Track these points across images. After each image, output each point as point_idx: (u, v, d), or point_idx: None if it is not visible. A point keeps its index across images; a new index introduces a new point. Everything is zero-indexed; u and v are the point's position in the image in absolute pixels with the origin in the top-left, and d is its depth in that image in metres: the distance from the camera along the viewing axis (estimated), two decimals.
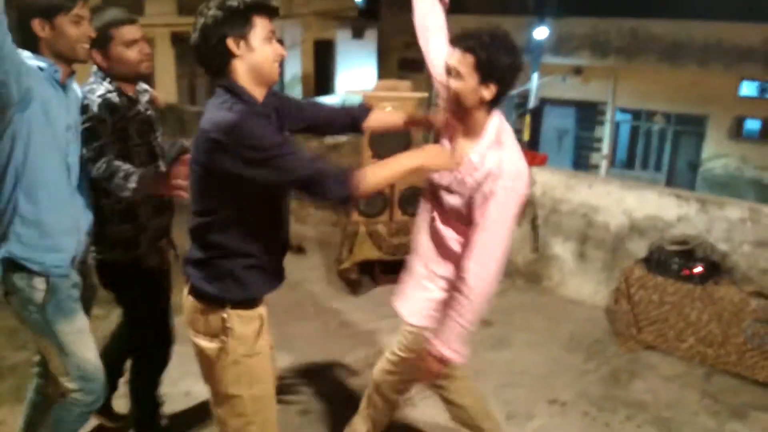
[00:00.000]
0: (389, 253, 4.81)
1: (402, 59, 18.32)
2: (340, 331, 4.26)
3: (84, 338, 2.35)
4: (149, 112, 2.66)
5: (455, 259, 2.27)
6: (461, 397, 2.67)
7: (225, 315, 2.02)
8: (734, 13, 12.81)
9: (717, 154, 15.13)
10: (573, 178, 4.79)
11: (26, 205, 2.16)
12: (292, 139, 2.12)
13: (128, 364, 2.89)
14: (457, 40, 2.11)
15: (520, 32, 14.10)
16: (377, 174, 1.95)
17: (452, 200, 2.23)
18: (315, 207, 5.95)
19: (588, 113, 16.97)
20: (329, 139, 6.26)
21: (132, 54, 2.46)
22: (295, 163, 1.85)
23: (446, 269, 2.34)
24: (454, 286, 2.22)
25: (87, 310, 2.48)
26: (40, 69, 2.13)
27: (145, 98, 2.66)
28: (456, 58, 2.09)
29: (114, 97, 2.47)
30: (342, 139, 6.24)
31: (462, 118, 2.21)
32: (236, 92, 1.93)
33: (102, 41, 2.40)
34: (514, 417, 3.32)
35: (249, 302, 2.08)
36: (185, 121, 7.10)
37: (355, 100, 4.00)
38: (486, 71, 2.05)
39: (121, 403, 3.04)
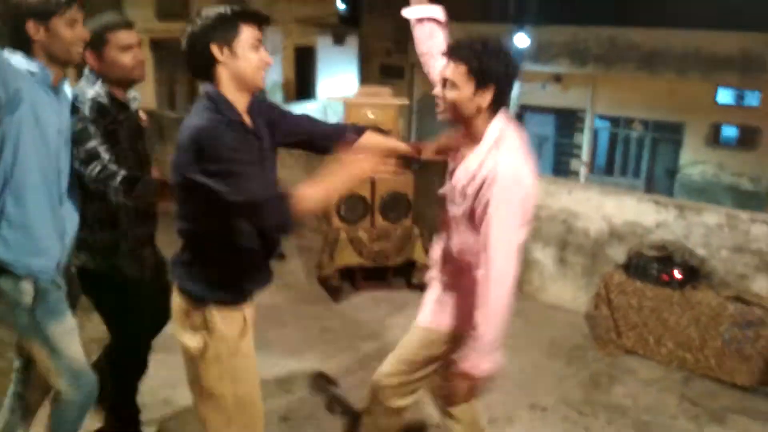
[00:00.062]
0: (370, 259, 4.80)
1: (383, 65, 18.37)
2: (320, 337, 4.24)
3: (73, 337, 2.34)
4: (138, 119, 2.66)
5: (466, 266, 2.26)
6: (461, 413, 2.65)
7: (207, 314, 2.04)
8: (711, 22, 12.98)
9: (694, 160, 15.30)
10: (553, 185, 4.82)
11: (13, 208, 2.13)
12: (267, 159, 2.08)
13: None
14: (450, 51, 2.14)
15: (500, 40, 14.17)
16: (314, 198, 1.90)
17: (457, 209, 2.23)
18: None
19: (567, 120, 17.09)
20: None
21: (126, 59, 2.46)
22: (247, 185, 1.84)
23: (458, 274, 2.33)
24: (471, 299, 2.20)
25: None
26: (31, 73, 2.10)
27: (135, 105, 2.64)
28: (450, 69, 2.11)
29: (105, 100, 2.46)
30: None
31: (464, 126, 2.21)
32: (215, 101, 1.95)
33: (97, 43, 2.40)
34: (494, 422, 3.32)
35: (232, 302, 2.08)
36: (164, 126, 7.05)
37: (337, 106, 3.99)
38: (480, 78, 2.06)
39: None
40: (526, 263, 4.92)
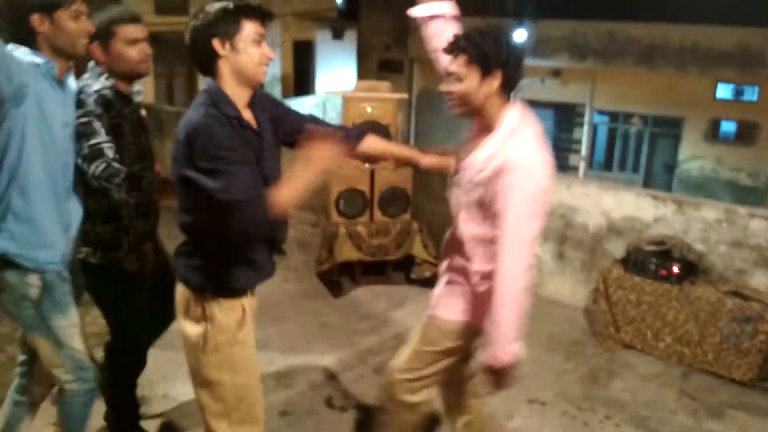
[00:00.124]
0: (369, 254, 4.81)
1: (382, 60, 18.34)
2: (320, 333, 4.24)
3: (76, 331, 2.35)
4: (142, 113, 2.66)
5: (479, 255, 2.25)
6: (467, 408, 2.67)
7: (206, 303, 2.09)
8: (710, 17, 12.97)
9: (693, 155, 15.31)
10: (551, 179, 4.81)
11: (19, 201, 2.14)
12: (268, 156, 2.09)
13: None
14: (449, 46, 2.14)
15: None
16: (287, 198, 1.92)
17: (472, 196, 2.21)
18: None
19: (566, 115, 17.07)
20: None
21: (133, 53, 2.48)
22: (233, 184, 1.87)
23: (470, 264, 2.30)
24: (480, 290, 2.22)
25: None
26: (36, 65, 2.11)
27: (139, 98, 2.65)
28: (452, 63, 2.12)
29: (109, 93, 2.46)
30: None
31: (478, 118, 2.20)
32: (213, 96, 1.98)
33: (104, 36, 2.41)
34: (493, 416, 3.33)
35: (230, 292, 2.11)
36: (163, 120, 7.04)
37: (335, 100, 3.99)
38: (484, 64, 2.06)
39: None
40: None
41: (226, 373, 2.14)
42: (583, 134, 16.82)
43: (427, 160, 2.40)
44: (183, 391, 3.30)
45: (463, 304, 2.34)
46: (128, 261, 2.61)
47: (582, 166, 16.98)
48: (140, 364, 2.90)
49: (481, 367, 2.24)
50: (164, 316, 2.67)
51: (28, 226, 2.17)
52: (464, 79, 2.10)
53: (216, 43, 1.95)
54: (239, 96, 2.03)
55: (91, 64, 2.52)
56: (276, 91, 15.82)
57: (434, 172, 2.42)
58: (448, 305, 2.39)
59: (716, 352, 3.78)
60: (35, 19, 2.09)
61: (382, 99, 4.69)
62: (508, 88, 2.11)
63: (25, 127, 2.08)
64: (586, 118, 16.62)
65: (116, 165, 2.37)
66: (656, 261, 4.00)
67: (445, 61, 2.32)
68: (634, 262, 4.10)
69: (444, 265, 2.48)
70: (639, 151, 16.46)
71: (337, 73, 17.77)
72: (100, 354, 2.85)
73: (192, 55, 2.01)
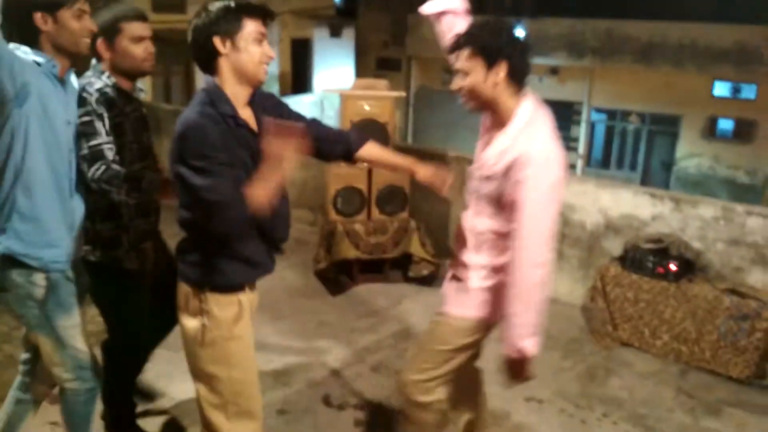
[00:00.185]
0: (367, 252, 4.80)
1: (380, 58, 18.35)
2: (318, 331, 4.24)
3: (79, 331, 2.36)
4: (144, 111, 2.68)
5: (490, 249, 2.25)
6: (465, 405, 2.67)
7: (203, 298, 2.12)
8: (707, 15, 12.98)
9: (690, 153, 15.33)
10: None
11: (24, 200, 2.14)
12: (259, 158, 2.07)
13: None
14: (453, 44, 2.15)
15: None
16: (260, 196, 1.95)
17: (485, 189, 2.21)
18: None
19: (564, 113, 17.06)
20: None
21: (137, 50, 2.50)
22: (218, 184, 1.91)
23: (481, 258, 2.30)
24: (499, 283, 2.22)
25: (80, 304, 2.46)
26: (38, 64, 2.11)
27: (141, 96, 2.67)
28: (458, 58, 2.12)
29: (112, 91, 2.47)
30: None
31: (490, 111, 2.20)
32: (211, 95, 2.02)
33: (110, 33, 2.43)
34: (491, 414, 3.33)
35: (227, 288, 2.14)
36: (160, 119, 7.02)
37: (333, 98, 3.99)
38: (487, 55, 2.06)
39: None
40: None
41: (222, 367, 2.17)
42: (581, 132, 16.84)
43: (424, 172, 2.38)
44: (181, 389, 3.30)
45: (474, 300, 2.33)
46: (128, 259, 2.61)
47: (580, 164, 17.00)
48: (139, 363, 2.90)
49: (499, 360, 2.24)
50: (168, 318, 2.65)
51: (33, 226, 2.17)
52: (470, 73, 2.10)
53: (217, 41, 1.98)
54: (239, 94, 2.06)
55: (94, 61, 2.53)
56: (274, 90, 15.81)
57: (429, 185, 2.40)
58: (458, 302, 2.38)
59: (713, 349, 3.79)
60: (38, 17, 2.09)
61: (379, 97, 4.69)
62: (515, 78, 2.11)
63: (29, 126, 2.08)
64: (584, 116, 16.64)
65: (115, 167, 2.38)
66: (654, 259, 4.01)
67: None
68: (632, 259, 4.10)
69: (453, 260, 2.46)
70: (636, 149, 16.49)
71: (334, 71, 17.77)
72: (97, 353, 2.84)
73: (193, 53, 2.04)
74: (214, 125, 1.96)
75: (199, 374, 2.22)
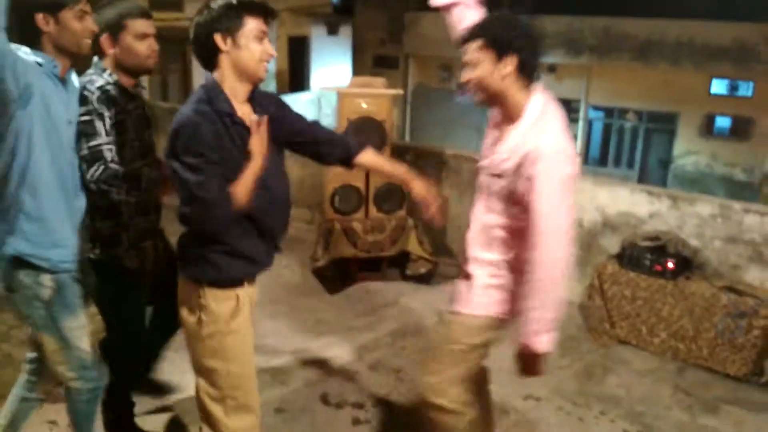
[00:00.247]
0: (365, 250, 4.80)
1: (377, 56, 18.32)
2: (315, 329, 4.24)
3: (84, 332, 2.37)
4: (146, 108, 2.69)
5: (501, 246, 2.24)
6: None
7: (201, 292, 2.16)
8: (705, 12, 12.98)
9: (688, 151, 15.33)
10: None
11: (30, 201, 2.15)
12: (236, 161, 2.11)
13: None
14: (463, 36, 2.15)
15: None
16: (240, 194, 2.03)
17: (495, 186, 2.19)
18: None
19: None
20: None
21: (141, 47, 2.51)
22: (207, 181, 1.96)
23: (492, 255, 2.29)
24: (511, 280, 2.21)
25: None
26: (39, 64, 2.11)
27: (143, 93, 2.69)
28: (467, 50, 2.11)
29: (113, 89, 2.48)
30: None
31: (499, 105, 2.18)
32: (209, 91, 2.05)
33: (115, 29, 2.45)
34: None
35: (223, 283, 2.17)
36: (157, 117, 7.01)
37: (330, 96, 3.99)
38: (497, 47, 2.05)
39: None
40: None
41: (219, 361, 2.20)
42: (578, 130, 16.83)
43: (418, 188, 2.33)
44: (178, 388, 3.30)
45: (484, 297, 2.31)
46: (128, 258, 2.62)
47: (577, 161, 16.99)
48: (137, 363, 2.89)
49: (514, 353, 2.23)
50: (170, 317, 2.64)
51: (40, 226, 2.18)
52: (478, 65, 2.09)
53: (218, 38, 2.01)
54: (238, 91, 2.09)
55: (96, 59, 2.54)
56: (271, 88, 15.79)
57: (418, 202, 2.36)
58: (468, 300, 2.36)
59: (711, 347, 3.79)
60: (40, 18, 2.09)
61: (377, 95, 4.68)
62: (525, 73, 2.09)
63: (33, 127, 2.09)
64: (581, 114, 16.62)
65: (113, 166, 2.39)
66: (651, 256, 4.01)
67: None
68: (629, 257, 4.10)
69: (465, 258, 2.44)
70: (634, 147, 16.49)
71: (332, 69, 17.76)
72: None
73: (195, 49, 2.07)
74: (207, 123, 1.99)
75: (198, 368, 2.26)
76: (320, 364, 3.77)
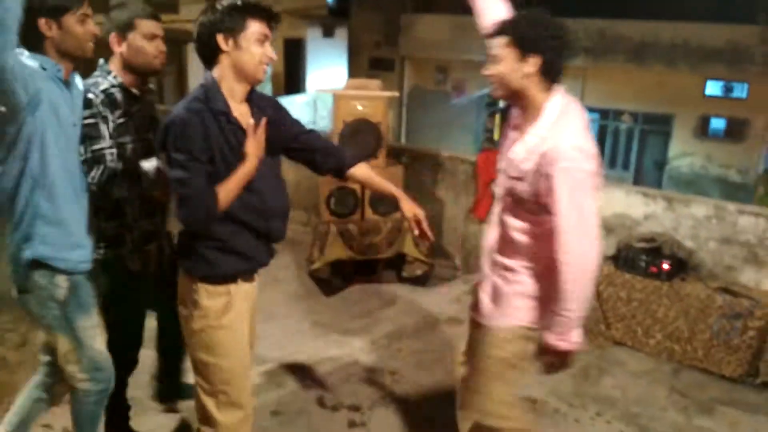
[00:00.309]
0: (361, 252, 4.80)
1: (373, 58, 18.31)
2: (311, 332, 4.24)
3: (98, 331, 2.40)
4: (153, 110, 2.72)
5: (520, 249, 2.21)
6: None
7: (194, 287, 2.21)
8: (700, 14, 13.01)
9: (683, 152, 15.36)
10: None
11: (47, 205, 2.18)
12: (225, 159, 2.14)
13: None
14: (492, 29, 2.14)
15: None
16: (228, 192, 2.08)
17: (517, 188, 2.16)
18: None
19: None
20: None
21: (150, 47, 2.54)
22: (191, 179, 2.02)
23: (516, 261, 2.25)
24: (536, 285, 2.19)
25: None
26: (43, 68, 2.12)
27: (149, 97, 2.71)
28: (493, 44, 2.10)
29: (117, 92, 2.52)
30: None
31: (519, 102, 2.17)
32: (208, 91, 2.10)
33: (123, 28, 2.49)
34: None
35: (216, 278, 2.20)
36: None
37: (326, 98, 3.99)
38: (521, 45, 2.05)
39: None
40: None
41: (210, 355, 2.25)
42: None
43: (409, 208, 2.34)
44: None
45: (511, 307, 2.26)
46: (131, 260, 2.64)
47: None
48: (134, 364, 2.89)
49: (540, 348, 2.21)
50: (174, 320, 2.66)
51: (58, 228, 2.21)
52: (501, 61, 2.09)
53: (220, 39, 2.05)
54: (236, 91, 2.14)
55: (101, 62, 2.57)
56: (267, 90, 15.78)
57: (406, 220, 2.37)
58: (494, 311, 2.31)
59: (706, 348, 3.80)
60: (42, 24, 2.11)
61: (372, 97, 4.68)
62: (548, 74, 2.08)
63: (45, 132, 2.12)
64: None
65: (112, 165, 2.44)
66: (646, 258, 4.02)
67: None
68: (625, 259, 4.11)
69: (484, 265, 2.41)
70: (629, 149, 16.50)
71: (327, 71, 17.76)
72: None
73: (197, 48, 2.12)
74: (198, 121, 2.04)
75: (193, 362, 2.32)
76: (316, 367, 3.77)
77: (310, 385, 3.58)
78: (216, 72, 2.12)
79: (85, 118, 2.39)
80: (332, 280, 4.89)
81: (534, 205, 2.13)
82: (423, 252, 4.91)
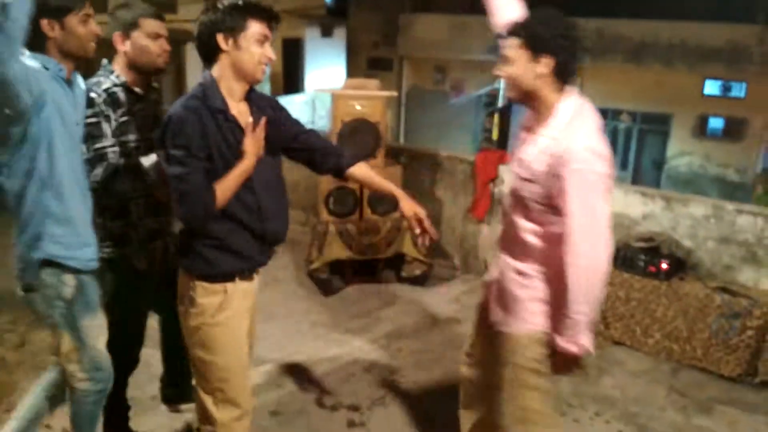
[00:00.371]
0: (359, 252, 4.80)
1: (371, 58, 18.30)
2: (310, 332, 4.24)
3: (101, 331, 2.41)
4: (157, 109, 2.73)
5: (533, 252, 2.19)
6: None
7: (191, 284, 2.23)
8: (698, 14, 13.02)
9: (681, 152, 15.37)
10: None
11: (56, 204, 2.19)
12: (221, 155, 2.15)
13: None
14: (504, 32, 2.13)
15: (488, 32, 14.15)
16: (225, 190, 2.10)
17: (529, 190, 2.14)
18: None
19: None
20: None
21: (154, 46, 2.56)
22: (189, 175, 2.04)
23: (524, 263, 2.23)
24: (547, 288, 2.17)
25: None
26: (45, 68, 2.13)
27: (153, 96, 2.72)
28: (506, 45, 2.09)
29: (119, 91, 2.54)
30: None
31: (531, 103, 2.15)
32: (206, 89, 2.12)
33: (128, 27, 2.51)
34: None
35: (213, 276, 2.22)
36: None
37: (324, 98, 3.99)
38: (533, 46, 2.03)
39: None
40: None
41: (207, 353, 2.27)
42: None
43: (409, 206, 2.34)
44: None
45: (527, 312, 2.24)
46: (136, 258, 2.65)
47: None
48: (133, 360, 2.89)
49: (551, 350, 2.20)
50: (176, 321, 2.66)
51: (67, 228, 2.23)
52: (514, 62, 2.08)
53: (220, 38, 2.07)
54: (235, 90, 2.16)
55: (104, 62, 2.59)
56: (265, 90, 15.77)
57: (406, 219, 2.37)
58: (508, 317, 2.29)
59: (705, 348, 3.80)
60: (45, 24, 2.12)
61: (371, 97, 4.68)
62: (561, 75, 2.07)
63: (51, 131, 2.13)
64: None
65: (114, 161, 2.46)
66: (645, 257, 4.02)
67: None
68: (623, 258, 4.11)
69: (497, 269, 2.39)
70: (627, 148, 16.50)
71: (326, 71, 17.73)
72: None
73: (197, 46, 2.14)
74: (195, 118, 2.05)
75: (191, 358, 2.34)
76: (315, 367, 3.77)
77: (309, 385, 3.59)
78: (215, 71, 2.14)
79: (88, 117, 2.41)
80: (331, 280, 4.89)
81: (546, 207, 2.11)
82: (422, 252, 4.92)
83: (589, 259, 2.00)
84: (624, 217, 4.36)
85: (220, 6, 2.08)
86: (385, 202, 4.79)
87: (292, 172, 5.85)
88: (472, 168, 5.14)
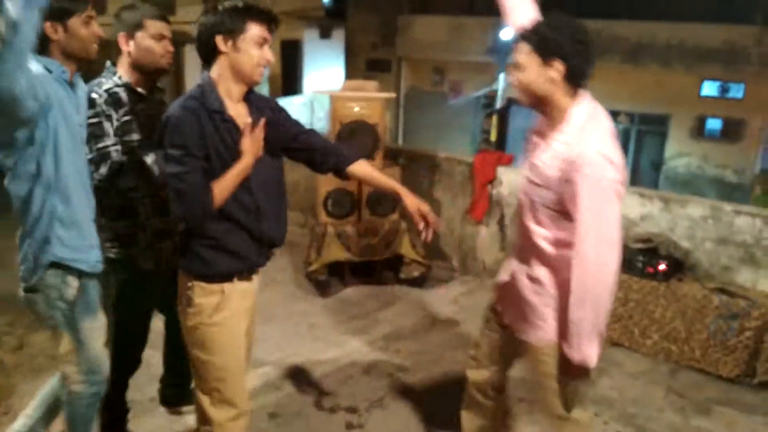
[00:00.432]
0: (358, 254, 4.80)
1: (369, 59, 18.30)
2: (309, 333, 4.24)
3: (101, 333, 2.41)
4: (161, 109, 2.71)
5: (548, 259, 2.17)
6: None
7: (189, 284, 2.25)
8: (696, 14, 13.03)
9: (679, 153, 15.38)
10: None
11: (63, 207, 2.20)
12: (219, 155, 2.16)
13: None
14: (515, 38, 2.12)
15: (486, 33, 14.17)
16: (223, 189, 2.11)
17: (539, 196, 2.12)
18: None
19: None
20: None
21: (157, 47, 2.58)
22: (186, 174, 2.05)
23: (539, 271, 2.21)
24: (561, 296, 2.14)
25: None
26: (48, 71, 2.14)
27: (158, 96, 2.74)
28: (517, 51, 2.09)
29: (121, 91, 2.56)
30: None
31: (543, 109, 2.14)
32: (204, 90, 2.13)
33: (132, 28, 2.54)
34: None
35: (211, 277, 2.23)
36: None
37: (323, 100, 4.00)
38: (544, 51, 2.02)
39: None
40: None
41: (204, 353, 2.28)
42: None
43: (411, 202, 2.32)
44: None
45: (546, 322, 2.21)
46: (143, 258, 2.66)
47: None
48: (135, 361, 2.89)
49: (565, 357, 2.16)
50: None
51: (75, 230, 2.24)
52: (525, 68, 2.06)
53: (219, 40, 2.09)
54: (233, 91, 2.17)
55: (108, 63, 2.61)
56: (264, 91, 15.77)
57: (410, 216, 2.35)
58: (528, 326, 2.27)
59: (703, 348, 3.80)
60: (48, 27, 2.12)
61: (369, 98, 4.69)
62: (573, 80, 2.05)
63: (58, 135, 2.14)
64: None
65: (117, 158, 2.48)
66: (643, 258, 4.02)
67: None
68: (621, 259, 4.10)
69: (507, 272, 2.38)
70: (626, 149, 16.49)
71: (324, 73, 17.74)
72: None
73: (197, 47, 2.16)
74: (194, 118, 2.07)
75: (190, 358, 2.35)
76: (314, 369, 3.77)
77: (307, 387, 3.59)
78: (214, 72, 2.16)
79: (90, 117, 2.43)
80: (330, 281, 4.89)
81: (558, 213, 2.09)
82: (420, 253, 4.92)
83: (596, 265, 1.98)
84: (622, 218, 4.29)
85: (220, 8, 2.09)
86: (383, 204, 4.80)
87: (292, 172, 5.86)
88: (471, 169, 5.15)
